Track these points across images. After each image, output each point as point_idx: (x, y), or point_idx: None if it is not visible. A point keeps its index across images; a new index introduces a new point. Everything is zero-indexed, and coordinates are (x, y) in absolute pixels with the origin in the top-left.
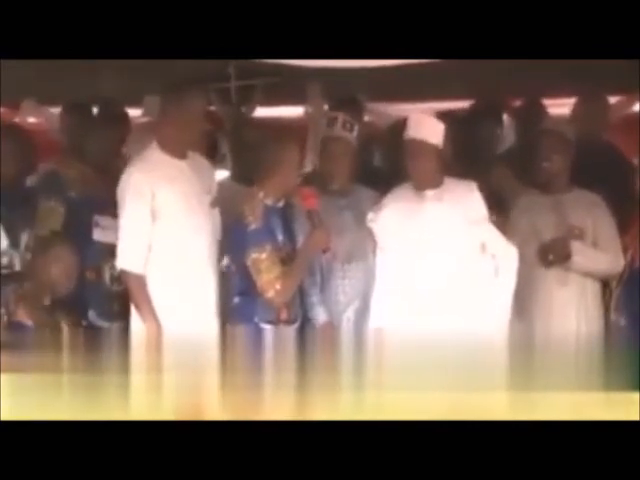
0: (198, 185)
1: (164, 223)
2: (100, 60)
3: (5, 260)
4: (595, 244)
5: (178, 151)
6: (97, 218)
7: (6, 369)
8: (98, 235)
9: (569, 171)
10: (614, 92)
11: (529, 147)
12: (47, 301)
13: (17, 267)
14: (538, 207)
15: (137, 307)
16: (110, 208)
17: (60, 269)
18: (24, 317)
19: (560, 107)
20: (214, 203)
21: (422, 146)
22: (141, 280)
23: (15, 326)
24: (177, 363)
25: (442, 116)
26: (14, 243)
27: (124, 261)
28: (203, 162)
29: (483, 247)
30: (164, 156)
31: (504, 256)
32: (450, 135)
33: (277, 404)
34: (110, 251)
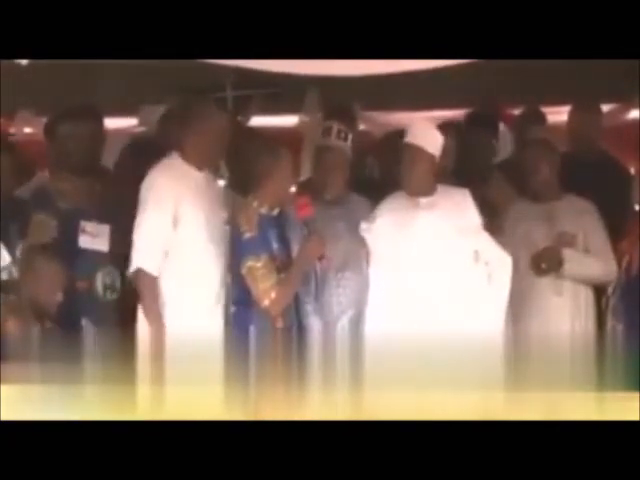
0: (215, 199)
1: (185, 231)
2: (96, 65)
3: (5, 275)
4: (587, 250)
5: (201, 163)
6: (83, 224)
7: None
8: (84, 242)
9: (558, 178)
10: (610, 99)
11: (519, 157)
12: (35, 315)
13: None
14: (530, 216)
15: (145, 308)
16: (98, 216)
17: (45, 286)
18: (14, 328)
19: (557, 115)
20: (228, 221)
21: (418, 152)
22: (154, 282)
23: (5, 337)
24: (176, 370)
25: (443, 126)
26: (12, 256)
27: (140, 260)
28: (214, 178)
29: (476, 255)
30: (187, 166)
31: (497, 263)
32: (449, 145)
33: (272, 407)
34: (101, 259)
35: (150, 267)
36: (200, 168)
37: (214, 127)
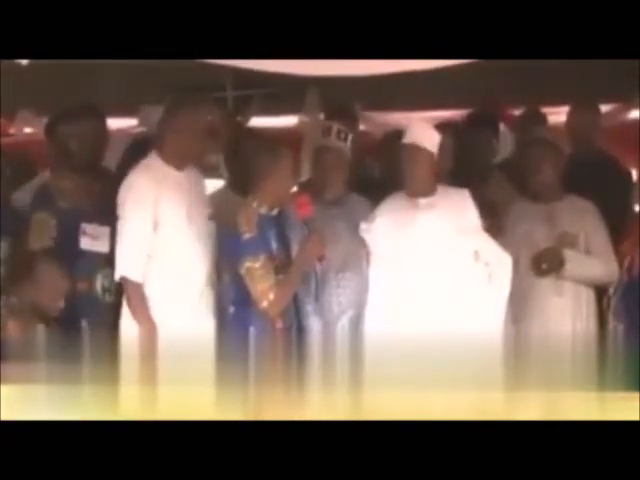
0: (197, 197)
1: (165, 233)
2: (96, 65)
3: None
4: (588, 251)
5: (180, 162)
6: (84, 226)
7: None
8: (85, 244)
9: (561, 179)
10: (610, 99)
11: (522, 156)
12: (36, 319)
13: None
14: (531, 216)
15: (134, 314)
16: (98, 216)
17: (48, 294)
18: (15, 331)
19: (557, 115)
20: (212, 216)
21: (417, 151)
22: (139, 288)
23: (6, 338)
24: (173, 371)
25: (441, 126)
26: None
27: (123, 268)
28: (198, 175)
29: (476, 255)
30: (165, 167)
31: (497, 264)
32: (447, 145)
33: (272, 407)
34: (101, 261)
35: (133, 275)
36: (179, 167)
37: (191, 126)
